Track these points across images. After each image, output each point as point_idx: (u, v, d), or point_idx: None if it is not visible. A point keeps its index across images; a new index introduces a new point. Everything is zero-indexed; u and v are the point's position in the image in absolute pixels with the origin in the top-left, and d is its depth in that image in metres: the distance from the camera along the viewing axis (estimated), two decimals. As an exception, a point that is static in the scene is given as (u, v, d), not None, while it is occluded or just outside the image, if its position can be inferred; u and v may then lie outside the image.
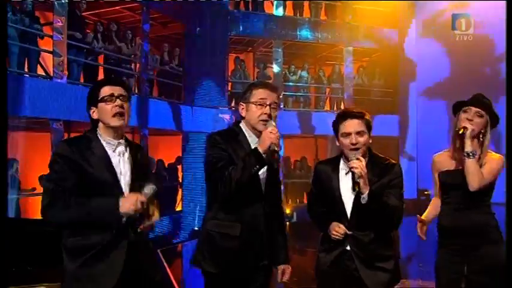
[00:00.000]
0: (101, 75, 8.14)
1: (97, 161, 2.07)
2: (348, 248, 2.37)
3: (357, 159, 2.25)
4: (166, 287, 5.04)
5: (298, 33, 11.28)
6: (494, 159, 2.51)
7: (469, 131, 2.44)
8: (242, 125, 2.40)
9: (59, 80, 7.00)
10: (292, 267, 2.46)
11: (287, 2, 11.23)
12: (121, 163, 2.14)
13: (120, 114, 2.11)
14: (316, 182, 2.53)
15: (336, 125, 2.39)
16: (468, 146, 2.43)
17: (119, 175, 2.11)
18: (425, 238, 2.72)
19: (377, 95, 11.87)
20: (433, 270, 2.64)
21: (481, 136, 2.49)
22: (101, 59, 8.27)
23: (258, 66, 11.36)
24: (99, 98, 2.12)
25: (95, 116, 2.14)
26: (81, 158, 2.04)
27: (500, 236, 2.52)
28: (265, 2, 11.11)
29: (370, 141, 2.37)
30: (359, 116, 2.35)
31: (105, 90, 2.13)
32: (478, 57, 10.96)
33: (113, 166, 2.10)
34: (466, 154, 2.44)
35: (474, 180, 2.41)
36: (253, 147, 2.25)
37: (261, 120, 2.31)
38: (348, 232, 2.34)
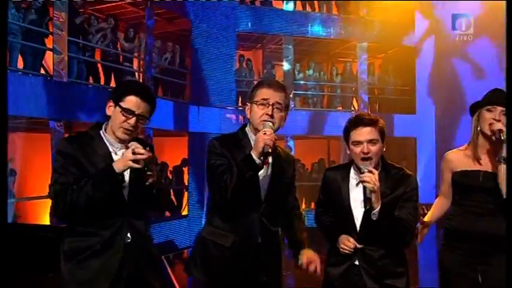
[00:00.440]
0: (100, 75, 7.99)
1: (99, 160, 2.03)
2: (357, 262, 2.28)
3: (369, 171, 2.12)
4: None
5: (309, 29, 10.91)
6: None
7: (504, 133, 2.29)
8: (247, 128, 2.31)
9: (59, 79, 6.81)
10: (302, 274, 2.34)
11: (297, -4, 10.91)
12: None
13: (127, 130, 2.04)
14: (324, 191, 2.44)
15: (347, 132, 2.28)
16: (505, 150, 2.27)
17: None
18: (421, 241, 2.66)
19: (393, 93, 11.50)
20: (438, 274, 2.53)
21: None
22: (98, 56, 8.08)
23: (267, 64, 11.12)
24: (120, 102, 2.03)
25: (109, 111, 2.07)
26: (83, 156, 2.01)
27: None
28: (274, -4, 10.86)
29: (384, 149, 2.25)
30: (371, 123, 2.22)
31: (130, 101, 2.03)
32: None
33: None
34: (502, 159, 2.29)
35: None
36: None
37: (262, 121, 2.18)
38: (358, 246, 2.25)
